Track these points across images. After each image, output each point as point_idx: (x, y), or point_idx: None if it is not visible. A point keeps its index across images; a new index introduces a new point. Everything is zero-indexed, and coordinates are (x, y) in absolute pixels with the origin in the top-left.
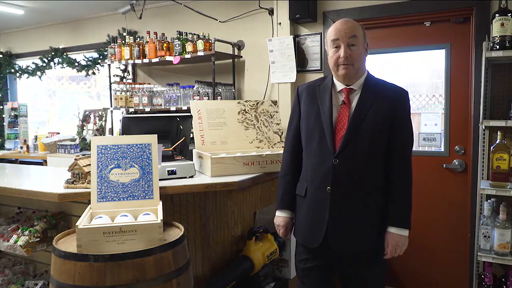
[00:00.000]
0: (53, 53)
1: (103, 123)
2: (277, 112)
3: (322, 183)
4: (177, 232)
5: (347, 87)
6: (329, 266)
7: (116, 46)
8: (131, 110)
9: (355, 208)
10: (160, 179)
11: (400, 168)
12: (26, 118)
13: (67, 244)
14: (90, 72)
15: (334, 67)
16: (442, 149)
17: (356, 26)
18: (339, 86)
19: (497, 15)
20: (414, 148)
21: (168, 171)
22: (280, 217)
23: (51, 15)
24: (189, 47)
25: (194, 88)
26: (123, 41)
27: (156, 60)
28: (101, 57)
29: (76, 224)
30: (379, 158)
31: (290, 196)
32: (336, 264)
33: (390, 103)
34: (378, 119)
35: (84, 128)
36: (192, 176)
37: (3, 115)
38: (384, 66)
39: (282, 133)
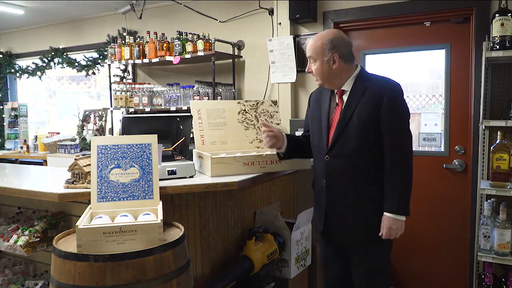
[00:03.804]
0: (53, 53)
1: (103, 123)
2: (277, 112)
3: (320, 177)
4: (177, 232)
5: (340, 89)
6: (343, 255)
7: (116, 46)
8: (131, 110)
9: (347, 200)
10: (160, 179)
11: (391, 158)
12: (26, 118)
13: (67, 244)
14: (90, 72)
15: None
16: (442, 149)
17: (311, 45)
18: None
19: (497, 15)
20: (414, 148)
21: (168, 171)
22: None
23: (51, 15)
24: (189, 47)
25: (194, 88)
26: (123, 41)
27: (156, 60)
28: (101, 57)
29: (76, 224)
30: (370, 152)
31: (294, 137)
32: (345, 252)
33: (377, 96)
34: (364, 114)
35: (84, 128)
36: (192, 176)
37: (3, 115)
38: (384, 66)
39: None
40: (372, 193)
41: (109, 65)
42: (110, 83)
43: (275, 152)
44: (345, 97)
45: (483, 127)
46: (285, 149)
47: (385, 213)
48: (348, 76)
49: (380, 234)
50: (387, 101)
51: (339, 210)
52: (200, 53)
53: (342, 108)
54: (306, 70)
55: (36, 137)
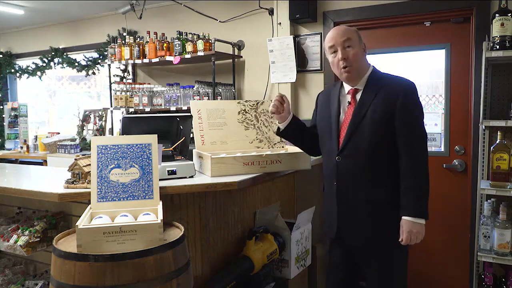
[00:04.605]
0: (53, 53)
1: (103, 123)
2: None
3: (331, 178)
4: (177, 232)
5: (353, 88)
6: (351, 259)
7: (116, 46)
8: (131, 110)
9: (358, 203)
10: (160, 179)
11: (406, 158)
12: (26, 118)
13: (67, 244)
14: (90, 72)
15: (337, 71)
16: (442, 149)
17: (348, 29)
18: (347, 88)
19: (497, 15)
20: None
21: (168, 171)
22: None
23: (51, 15)
24: (189, 47)
25: (194, 88)
26: (123, 41)
27: (156, 60)
28: (101, 57)
29: (76, 224)
30: (383, 152)
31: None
32: (354, 256)
33: (391, 96)
34: (378, 113)
35: (84, 128)
36: (192, 176)
37: (3, 115)
38: (384, 66)
39: None
40: (384, 195)
41: (109, 65)
42: (110, 83)
43: (275, 153)
44: (358, 96)
45: (483, 127)
46: (284, 126)
47: (403, 217)
48: (364, 73)
49: (400, 240)
50: (402, 99)
51: (351, 212)
52: (200, 53)
53: (355, 107)
54: (340, 58)
55: (36, 137)
